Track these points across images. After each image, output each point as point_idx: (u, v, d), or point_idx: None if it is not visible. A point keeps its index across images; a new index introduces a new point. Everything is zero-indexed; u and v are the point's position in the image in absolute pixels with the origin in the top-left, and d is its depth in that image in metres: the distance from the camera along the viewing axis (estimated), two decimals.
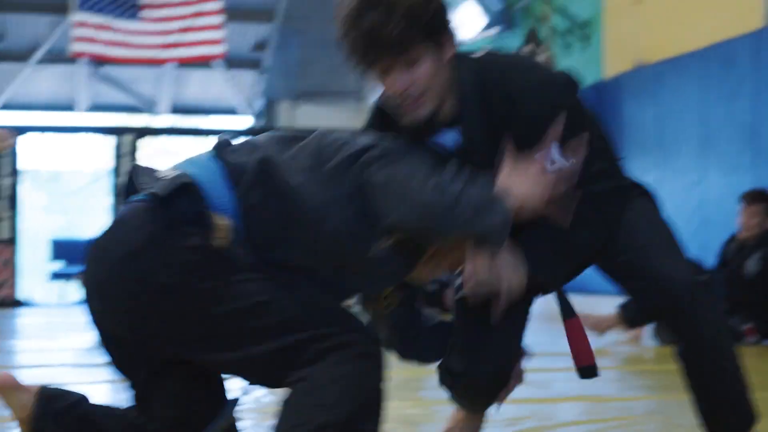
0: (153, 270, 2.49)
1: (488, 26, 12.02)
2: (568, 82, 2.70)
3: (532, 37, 10.27)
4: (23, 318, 10.66)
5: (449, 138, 2.68)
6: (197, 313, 2.51)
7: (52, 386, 2.80)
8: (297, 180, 2.52)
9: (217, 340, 2.54)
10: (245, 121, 17.51)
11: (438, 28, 2.55)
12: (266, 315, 2.47)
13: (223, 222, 2.48)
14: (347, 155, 2.51)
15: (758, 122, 7.78)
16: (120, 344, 2.71)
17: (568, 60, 10.63)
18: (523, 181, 2.54)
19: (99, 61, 15.90)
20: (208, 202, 2.50)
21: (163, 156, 19.17)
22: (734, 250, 7.27)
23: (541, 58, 10.01)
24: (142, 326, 2.58)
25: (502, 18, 11.77)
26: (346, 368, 2.41)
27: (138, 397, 2.74)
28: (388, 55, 2.52)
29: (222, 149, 2.60)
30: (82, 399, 2.79)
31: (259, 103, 17.22)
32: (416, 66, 2.54)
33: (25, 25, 16.17)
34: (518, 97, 2.61)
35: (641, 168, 9.20)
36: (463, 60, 2.67)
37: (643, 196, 2.90)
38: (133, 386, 2.73)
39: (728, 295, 7.15)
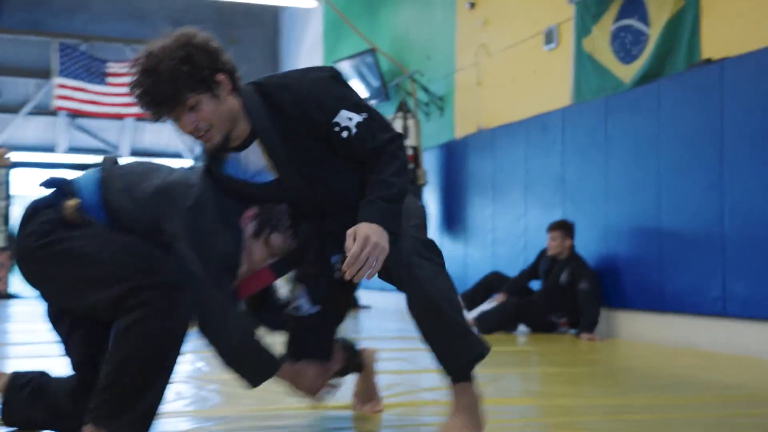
0: (23, 239, 2.56)
1: (369, 98, 12.09)
2: (335, 73, 2.66)
3: (402, 107, 10.35)
4: (14, 307, 10.38)
5: (259, 168, 2.65)
6: (52, 269, 2.55)
7: (20, 371, 2.85)
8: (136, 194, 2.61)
9: (69, 290, 2.56)
10: (187, 162, 17.28)
11: (205, 77, 2.51)
12: (99, 267, 2.48)
13: (71, 203, 2.56)
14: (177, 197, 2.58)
15: (565, 172, 7.97)
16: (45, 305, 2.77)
17: (428, 124, 10.76)
18: (301, 379, 2.81)
19: (75, 114, 15.60)
20: (77, 195, 2.59)
21: None
22: (548, 264, 7.50)
23: (409, 122, 10.12)
24: (31, 285, 2.65)
25: (379, 92, 11.86)
26: (142, 327, 2.41)
27: (65, 346, 2.76)
28: (168, 110, 2.52)
29: (106, 164, 2.73)
30: (42, 374, 2.85)
31: (198, 149, 17.02)
32: (196, 108, 2.50)
33: (17, 85, 15.84)
34: (306, 94, 2.56)
35: (481, 205, 9.36)
36: (245, 88, 2.63)
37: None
38: (61, 338, 2.74)
39: (547, 298, 7.39)
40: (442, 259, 2.65)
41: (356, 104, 2.60)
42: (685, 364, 5.34)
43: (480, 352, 2.64)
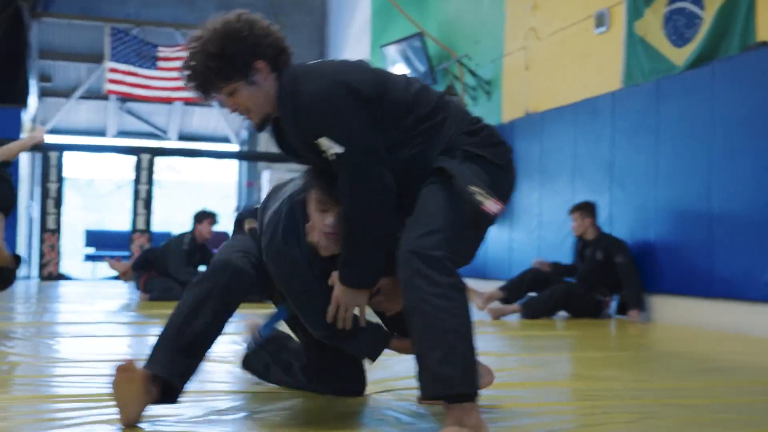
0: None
1: None
2: (352, 89, 2.55)
3: (449, 91, 10.28)
4: (65, 288, 10.51)
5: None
6: None
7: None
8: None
9: None
10: (234, 147, 17.37)
11: (240, 67, 2.58)
12: (219, 254, 2.92)
13: (249, 222, 2.99)
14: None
15: (614, 158, 7.87)
16: None
17: (476, 108, 10.67)
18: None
19: (125, 98, 15.73)
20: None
21: (168, 171, 18.93)
22: (580, 247, 7.57)
23: None
24: None
25: (426, 76, 11.76)
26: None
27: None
28: (208, 96, 2.68)
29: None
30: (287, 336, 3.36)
31: (244, 134, 17.11)
32: (234, 94, 2.61)
33: (69, 70, 16.02)
34: (305, 104, 2.54)
35: (528, 189, 9.27)
36: (289, 73, 2.63)
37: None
38: None
39: (587, 279, 7.39)
40: (449, 274, 2.42)
41: (339, 137, 2.51)
42: (735, 350, 5.23)
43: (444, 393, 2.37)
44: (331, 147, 2.51)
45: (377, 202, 2.55)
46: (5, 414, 2.75)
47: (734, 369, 4.30)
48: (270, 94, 2.61)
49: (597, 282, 7.28)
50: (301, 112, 2.55)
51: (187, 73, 2.64)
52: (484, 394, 2.97)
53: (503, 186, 2.68)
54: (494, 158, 2.66)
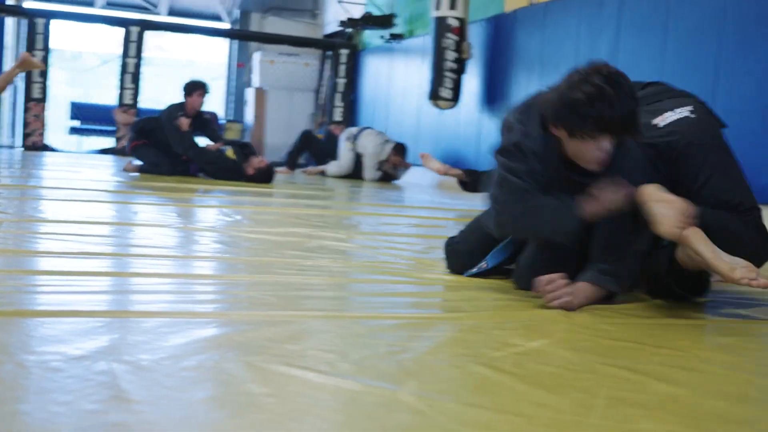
0: None
1: None
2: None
3: None
4: (49, 158, 10.36)
5: None
6: None
7: None
8: None
9: None
10: (225, 26, 16.95)
11: None
12: None
13: None
14: None
15: (617, 52, 7.68)
16: None
17: None
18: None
19: None
20: None
21: (157, 50, 18.57)
22: None
23: None
24: None
25: None
26: None
27: None
28: None
29: None
30: None
31: (236, 12, 16.71)
32: None
33: None
34: None
35: (527, 82, 9.07)
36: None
37: None
38: None
39: None
40: None
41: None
42: None
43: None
44: None
45: None
46: None
47: None
48: None
49: None
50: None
51: None
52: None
53: None
54: None
